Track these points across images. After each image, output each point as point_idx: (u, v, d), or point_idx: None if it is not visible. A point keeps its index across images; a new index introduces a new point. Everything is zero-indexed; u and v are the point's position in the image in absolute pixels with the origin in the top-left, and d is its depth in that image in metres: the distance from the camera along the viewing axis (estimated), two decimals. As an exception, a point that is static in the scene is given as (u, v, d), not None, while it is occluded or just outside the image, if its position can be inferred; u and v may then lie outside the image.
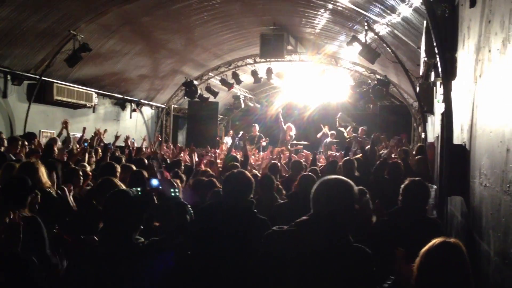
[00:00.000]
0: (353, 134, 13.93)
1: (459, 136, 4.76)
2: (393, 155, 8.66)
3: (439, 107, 7.25)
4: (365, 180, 6.18)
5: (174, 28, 12.16)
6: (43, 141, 9.80)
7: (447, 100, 4.82)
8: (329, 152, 12.16)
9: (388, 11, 8.93)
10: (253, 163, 9.28)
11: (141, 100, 15.76)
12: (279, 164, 7.93)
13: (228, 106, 20.17)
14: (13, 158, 6.51)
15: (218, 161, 9.33)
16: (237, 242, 3.21)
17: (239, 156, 8.86)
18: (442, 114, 5.67)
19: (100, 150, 8.43)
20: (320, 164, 9.12)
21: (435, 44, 4.88)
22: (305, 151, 12.87)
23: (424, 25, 6.34)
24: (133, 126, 15.74)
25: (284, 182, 6.66)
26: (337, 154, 10.87)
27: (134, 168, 5.79)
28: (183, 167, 7.16)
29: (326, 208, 2.49)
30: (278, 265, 2.44)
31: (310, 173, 5.69)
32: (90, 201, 4.46)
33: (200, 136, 16.16)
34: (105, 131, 10.52)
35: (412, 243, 2.67)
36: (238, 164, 6.96)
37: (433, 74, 6.73)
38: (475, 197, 3.77)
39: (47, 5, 8.94)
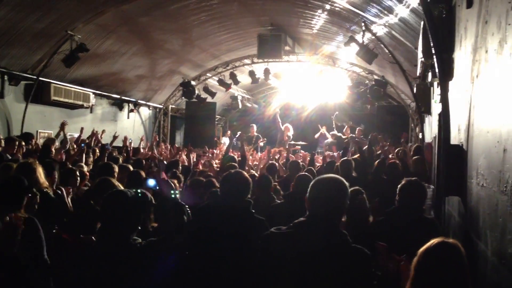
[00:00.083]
0: (351, 135, 13.94)
1: (456, 136, 4.77)
2: (390, 155, 8.68)
3: (436, 107, 7.27)
4: (362, 180, 6.19)
5: (171, 29, 12.15)
6: (40, 141, 9.78)
7: (444, 100, 4.83)
8: (326, 153, 12.16)
9: (385, 12, 8.95)
10: (250, 164, 9.28)
11: (139, 101, 15.74)
12: (277, 164, 7.93)
13: (225, 106, 20.17)
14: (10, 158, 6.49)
15: (217, 161, 9.34)
16: (235, 242, 3.21)
17: (236, 156, 8.86)
18: (439, 115, 5.68)
19: (97, 151, 8.42)
20: (317, 164, 9.11)
21: (432, 44, 4.89)
22: (302, 151, 12.90)
23: (421, 26, 6.35)
24: (131, 126, 15.72)
25: (282, 182, 6.66)
26: (335, 154, 10.87)
27: (131, 168, 5.79)
28: (180, 168, 7.17)
29: (322, 208, 2.49)
30: (276, 266, 2.44)
31: (306, 173, 5.69)
32: (88, 201, 4.45)
33: (197, 136, 16.15)
34: (103, 131, 10.51)
35: (409, 243, 2.68)
36: (236, 164, 6.95)
37: (430, 74, 6.74)
38: (472, 197, 3.78)
39: (44, 5, 8.92)
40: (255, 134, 15.52)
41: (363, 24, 9.87)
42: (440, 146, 5.62)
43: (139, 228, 2.94)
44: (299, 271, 2.37)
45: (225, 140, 16.33)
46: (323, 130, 16.09)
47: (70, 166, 6.07)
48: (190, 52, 14.32)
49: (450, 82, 5.17)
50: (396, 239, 3.41)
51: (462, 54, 4.66)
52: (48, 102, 11.36)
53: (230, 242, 3.20)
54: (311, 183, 2.63)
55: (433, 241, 2.46)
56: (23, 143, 7.50)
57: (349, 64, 14.81)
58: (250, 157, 10.78)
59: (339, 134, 14.99)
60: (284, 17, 12.61)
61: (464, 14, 4.51)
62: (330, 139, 14.90)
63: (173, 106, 17.58)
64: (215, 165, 8.21)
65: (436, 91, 6.87)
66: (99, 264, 2.73)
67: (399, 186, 4.01)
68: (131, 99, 15.31)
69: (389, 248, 2.88)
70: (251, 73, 15.22)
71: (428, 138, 9.83)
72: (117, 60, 12.51)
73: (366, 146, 9.07)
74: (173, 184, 3.75)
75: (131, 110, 15.61)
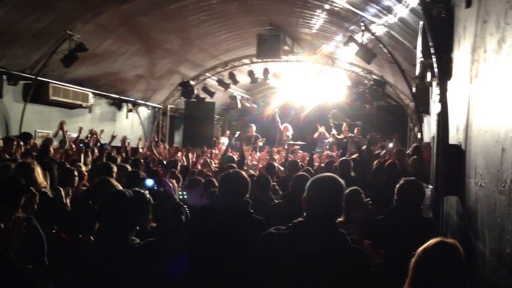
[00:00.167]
0: (350, 134, 13.95)
1: (454, 136, 4.77)
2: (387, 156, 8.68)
3: (435, 107, 7.27)
4: (361, 180, 6.19)
5: (170, 28, 12.14)
6: (39, 141, 9.77)
7: (443, 100, 4.84)
8: (324, 153, 12.18)
9: (384, 12, 8.95)
10: (249, 164, 9.28)
11: (138, 100, 15.73)
12: (275, 164, 7.93)
13: (224, 106, 20.16)
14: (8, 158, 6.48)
15: (216, 161, 9.33)
16: (234, 242, 3.20)
17: (235, 156, 8.86)
18: (438, 114, 5.69)
19: (96, 150, 8.42)
20: (316, 164, 9.11)
21: (431, 44, 4.90)
22: (300, 151, 12.90)
23: (420, 26, 6.36)
24: (130, 126, 15.70)
25: (281, 182, 6.66)
26: (334, 154, 10.88)
27: (129, 167, 5.79)
28: (179, 167, 7.16)
29: (321, 208, 2.49)
30: (276, 266, 2.44)
31: (304, 173, 5.69)
32: (86, 202, 4.45)
33: (196, 136, 16.13)
34: (102, 131, 10.50)
35: (407, 243, 2.68)
36: (234, 164, 6.95)
37: (429, 74, 6.75)
38: (470, 197, 3.78)
39: (43, 5, 8.90)
40: (254, 134, 15.54)
41: (362, 24, 9.87)
42: (439, 145, 5.63)
43: (138, 228, 2.93)
44: (298, 271, 2.37)
45: (224, 140, 16.33)
46: (321, 129, 16.10)
47: (68, 166, 6.06)
48: (189, 52, 14.31)
49: (449, 82, 5.18)
50: (394, 238, 3.42)
51: (461, 54, 4.66)
52: (47, 102, 11.34)
53: (229, 242, 3.20)
54: (307, 183, 2.62)
55: (432, 241, 2.45)
56: (22, 143, 7.49)
57: (348, 64, 14.80)
58: (249, 157, 10.78)
59: (338, 137, 15.00)
60: (283, 17, 12.61)
61: (463, 14, 4.51)
62: (331, 139, 14.91)
63: (172, 106, 17.57)
64: (213, 165, 8.21)
65: (435, 91, 6.88)
66: (98, 264, 2.72)
67: (397, 185, 4.01)
68: (130, 99, 15.29)
69: (383, 247, 2.88)
70: (250, 73, 15.21)
71: (426, 138, 9.84)
72: (116, 60, 12.50)
73: (365, 146, 9.08)
74: (171, 184, 3.75)
75: (130, 110, 15.60)
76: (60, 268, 3.51)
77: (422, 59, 6.45)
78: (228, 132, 18.71)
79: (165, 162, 8.14)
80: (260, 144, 14.91)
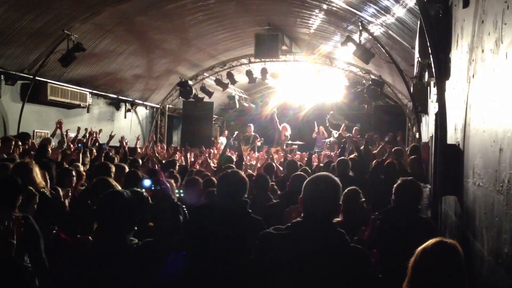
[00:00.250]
0: (348, 134, 13.96)
1: (452, 136, 4.78)
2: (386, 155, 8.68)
3: (433, 107, 7.28)
4: (359, 180, 6.20)
5: (168, 28, 12.14)
6: (37, 141, 9.76)
7: (441, 100, 4.83)
8: (323, 152, 12.18)
9: (382, 12, 8.95)
10: (247, 163, 9.28)
11: (136, 100, 15.72)
12: (274, 164, 7.93)
13: (223, 106, 20.16)
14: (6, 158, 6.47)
15: (214, 160, 9.33)
16: (232, 242, 3.20)
17: (234, 156, 8.86)
18: (436, 114, 5.69)
19: (94, 150, 8.41)
20: (315, 164, 9.11)
21: (429, 44, 4.89)
22: (298, 152, 12.91)
23: (418, 26, 6.36)
24: (128, 126, 15.69)
25: (279, 182, 6.66)
26: (332, 154, 10.88)
27: (126, 167, 5.79)
28: (177, 167, 7.16)
29: (318, 208, 2.49)
30: (275, 266, 2.43)
31: (302, 173, 5.69)
32: (85, 202, 4.44)
33: (195, 136, 16.13)
34: (100, 131, 10.49)
35: (404, 242, 2.68)
36: (233, 164, 6.95)
37: (427, 74, 6.76)
38: (468, 197, 3.79)
39: (40, 5, 8.89)
40: (253, 133, 15.54)
41: (360, 23, 9.88)
42: (437, 145, 5.63)
43: (136, 228, 2.93)
44: (298, 271, 2.36)
45: (223, 140, 16.35)
46: (320, 128, 16.11)
47: (67, 166, 6.05)
48: (187, 51, 14.31)
49: (446, 82, 5.18)
50: (392, 238, 3.42)
51: (458, 54, 4.66)
52: (45, 101, 11.33)
53: (227, 242, 3.20)
54: (304, 183, 2.62)
55: (432, 240, 2.45)
56: (20, 143, 7.47)
57: (346, 64, 14.81)
58: (247, 156, 10.78)
59: (339, 133, 15.00)
60: (281, 16, 12.61)
61: (460, 14, 4.52)
62: (332, 138, 14.92)
63: (170, 106, 17.56)
64: (212, 165, 8.21)
65: (433, 90, 6.89)
66: (96, 264, 2.72)
67: (395, 185, 4.02)
68: (128, 99, 15.28)
69: (380, 247, 2.88)
70: (248, 73, 15.21)
71: (425, 138, 9.85)
72: (114, 60, 12.49)
73: (363, 146, 9.08)
74: (169, 184, 3.75)
75: (128, 110, 15.59)
76: (59, 268, 3.51)
77: (420, 59, 6.46)
78: (226, 132, 18.72)
79: (163, 161, 8.13)
80: (259, 144, 14.91)
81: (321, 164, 8.45)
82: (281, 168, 8.28)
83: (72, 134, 10.16)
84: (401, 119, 14.70)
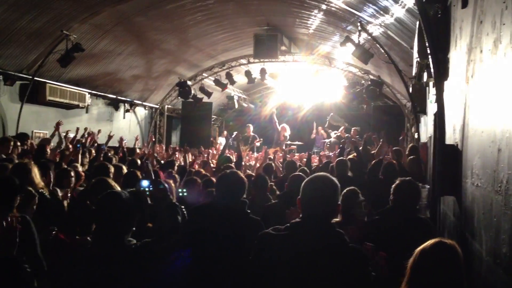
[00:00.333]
0: (346, 135, 13.97)
1: (451, 136, 4.78)
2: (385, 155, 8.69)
3: (431, 107, 7.29)
4: (358, 180, 6.20)
5: (167, 28, 12.13)
6: (36, 141, 9.75)
7: (440, 100, 4.84)
8: (322, 152, 12.18)
9: (381, 12, 8.96)
10: (246, 164, 9.28)
11: (135, 101, 15.71)
12: (273, 164, 7.93)
13: (222, 106, 20.15)
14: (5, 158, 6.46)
15: (213, 161, 9.33)
16: (231, 242, 3.20)
17: (233, 156, 8.85)
18: (435, 115, 5.69)
19: (93, 151, 8.40)
20: (314, 164, 9.12)
21: (427, 44, 4.90)
22: (297, 154, 12.91)
23: (417, 26, 6.37)
24: (127, 126, 15.68)
25: (278, 182, 6.66)
26: (331, 154, 10.88)
27: (125, 167, 5.78)
28: (176, 168, 7.16)
29: (317, 208, 2.49)
30: (274, 267, 2.43)
31: (300, 173, 5.69)
32: (84, 202, 4.44)
33: (194, 136, 16.11)
34: (99, 131, 10.47)
35: (403, 242, 2.68)
36: (232, 165, 6.95)
37: (425, 74, 6.75)
38: (467, 197, 3.79)
39: (39, 5, 8.89)
40: (252, 134, 15.54)
41: (359, 24, 9.88)
42: (436, 146, 5.64)
43: (134, 229, 2.93)
44: (297, 272, 2.36)
45: (222, 140, 16.33)
46: (319, 129, 16.11)
47: (66, 167, 6.05)
48: (186, 52, 14.30)
49: (445, 82, 5.18)
50: (390, 238, 3.42)
51: (457, 54, 4.67)
52: (44, 102, 11.32)
53: (226, 243, 3.20)
54: (302, 184, 2.61)
55: (431, 241, 2.45)
56: (18, 144, 7.47)
57: (345, 64, 14.82)
58: (246, 157, 10.77)
59: (337, 134, 15.00)
60: (280, 17, 12.62)
61: (459, 14, 4.52)
62: (332, 139, 14.93)
63: (169, 106, 17.56)
64: (211, 165, 8.20)
65: (432, 91, 6.89)
66: (94, 265, 2.71)
67: (393, 185, 4.02)
68: (127, 99, 15.27)
69: (379, 247, 2.88)
70: (247, 73, 15.21)
71: (424, 138, 9.86)
72: (112, 60, 12.48)
73: (361, 147, 9.09)
74: (167, 185, 3.75)
75: (127, 110, 15.58)
76: (58, 268, 3.50)
77: (419, 59, 6.46)
78: (225, 132, 18.71)
79: (162, 162, 8.14)
80: (258, 144, 14.91)
81: (320, 165, 8.45)
82: (280, 169, 8.27)
83: (71, 135, 10.15)
84: (400, 119, 14.71)
